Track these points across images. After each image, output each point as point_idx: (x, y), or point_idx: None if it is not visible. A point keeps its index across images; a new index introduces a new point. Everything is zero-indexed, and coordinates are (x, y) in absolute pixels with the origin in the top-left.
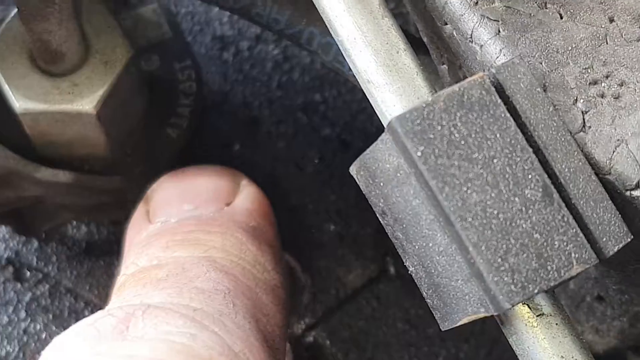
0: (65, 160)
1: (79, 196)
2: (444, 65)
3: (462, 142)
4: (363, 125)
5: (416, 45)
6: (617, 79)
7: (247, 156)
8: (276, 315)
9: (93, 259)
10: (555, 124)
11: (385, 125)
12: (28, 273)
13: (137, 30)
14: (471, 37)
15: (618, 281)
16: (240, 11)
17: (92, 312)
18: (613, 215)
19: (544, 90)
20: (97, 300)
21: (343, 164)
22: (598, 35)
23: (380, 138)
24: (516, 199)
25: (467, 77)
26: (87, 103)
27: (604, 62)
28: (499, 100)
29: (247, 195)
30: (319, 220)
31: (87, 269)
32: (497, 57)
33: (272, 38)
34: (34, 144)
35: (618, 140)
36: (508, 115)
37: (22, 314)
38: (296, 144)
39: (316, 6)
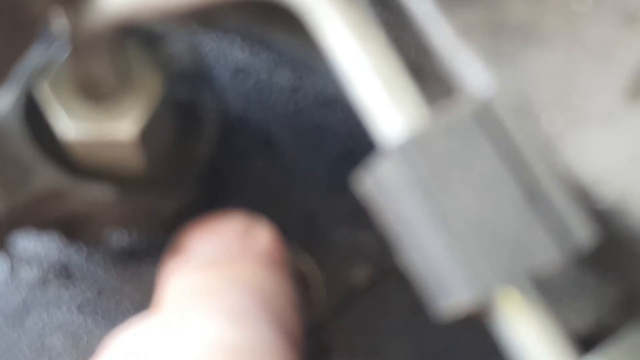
0: (108, 177)
1: (121, 210)
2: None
3: (457, 164)
4: (369, 141)
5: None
6: (590, 101)
7: (264, 172)
8: (297, 321)
9: (136, 262)
10: (536, 142)
11: (385, 143)
12: (80, 276)
13: (169, 64)
14: (457, 64)
15: None
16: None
17: (137, 309)
18: (582, 215)
19: (528, 114)
20: (141, 297)
21: (351, 177)
22: (573, 63)
23: (383, 156)
24: (499, 204)
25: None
26: (128, 131)
27: (577, 86)
28: (492, 133)
29: (264, 231)
30: (328, 224)
31: (132, 272)
32: (484, 84)
33: (289, 65)
34: (79, 162)
35: (590, 155)
36: (498, 146)
37: (75, 312)
38: (309, 159)
39: (305, 22)
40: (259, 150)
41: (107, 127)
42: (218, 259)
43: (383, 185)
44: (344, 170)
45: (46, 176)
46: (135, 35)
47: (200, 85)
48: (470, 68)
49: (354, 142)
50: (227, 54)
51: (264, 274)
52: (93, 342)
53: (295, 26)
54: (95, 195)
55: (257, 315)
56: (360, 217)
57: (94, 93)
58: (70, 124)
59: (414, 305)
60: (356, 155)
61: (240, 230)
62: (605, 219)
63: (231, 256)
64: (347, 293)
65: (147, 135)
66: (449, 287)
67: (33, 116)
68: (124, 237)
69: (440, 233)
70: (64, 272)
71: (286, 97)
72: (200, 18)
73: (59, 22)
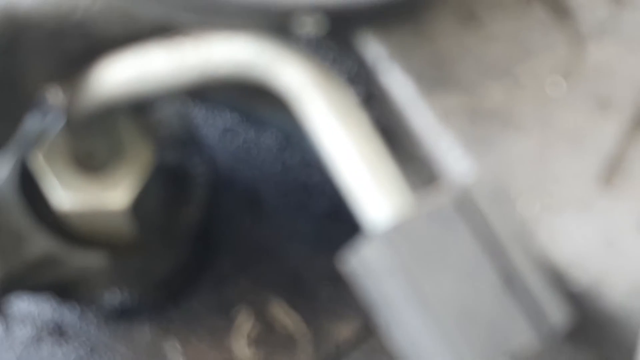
0: (101, 242)
1: (113, 272)
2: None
3: (438, 251)
4: None
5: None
6: (564, 187)
7: (251, 231)
8: None
9: (128, 321)
10: (513, 228)
11: (370, 227)
12: (73, 334)
13: (158, 129)
14: (438, 149)
15: None
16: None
17: None
18: (557, 299)
19: (505, 200)
20: (132, 355)
21: (337, 235)
22: (548, 148)
23: (369, 239)
24: (478, 288)
25: (435, 178)
26: (121, 201)
27: (552, 172)
28: (471, 220)
29: None
30: (316, 282)
31: (123, 330)
32: (463, 169)
33: (276, 125)
34: (73, 229)
35: (564, 240)
36: (477, 233)
37: None
38: (295, 218)
39: (293, 107)
40: (247, 209)
41: (100, 197)
42: None
43: (367, 267)
44: (330, 229)
45: (40, 244)
46: None
47: (190, 149)
48: (450, 153)
49: (340, 201)
50: (216, 114)
51: None
52: None
53: (281, 104)
54: (88, 261)
55: None
56: None
57: (87, 164)
58: (65, 195)
59: None
60: (342, 214)
61: None
62: (579, 302)
63: None
64: (335, 350)
65: (139, 204)
66: None
67: (28, 184)
68: (116, 296)
69: (422, 315)
70: (57, 331)
71: (274, 156)
72: (189, 93)
73: (55, 96)
